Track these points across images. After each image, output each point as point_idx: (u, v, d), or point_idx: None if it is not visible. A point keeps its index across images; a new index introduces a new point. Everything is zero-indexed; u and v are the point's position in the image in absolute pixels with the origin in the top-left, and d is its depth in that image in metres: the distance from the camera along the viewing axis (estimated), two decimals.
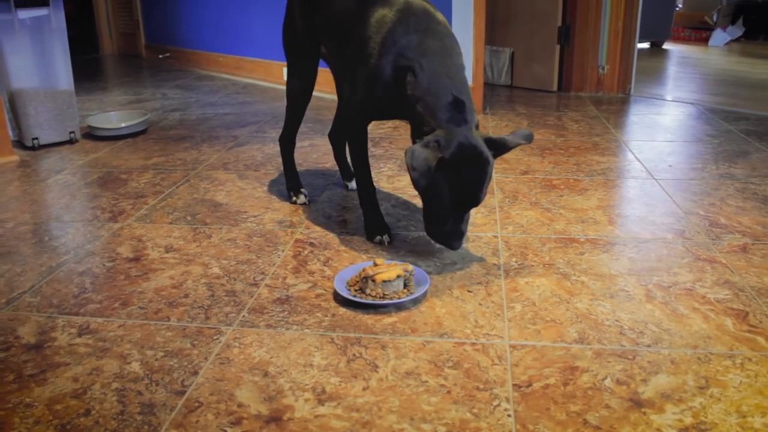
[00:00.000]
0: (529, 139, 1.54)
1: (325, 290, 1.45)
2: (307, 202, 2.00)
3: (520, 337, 1.25)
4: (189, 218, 1.89)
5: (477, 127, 1.49)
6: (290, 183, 2.05)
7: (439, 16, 1.60)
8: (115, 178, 2.30)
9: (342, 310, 1.36)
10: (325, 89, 3.83)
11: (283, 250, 1.66)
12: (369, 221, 1.73)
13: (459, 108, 1.46)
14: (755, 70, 4.61)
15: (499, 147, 1.50)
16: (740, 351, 1.19)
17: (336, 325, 1.31)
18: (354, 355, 1.20)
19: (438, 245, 1.65)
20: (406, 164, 1.42)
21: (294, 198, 2.00)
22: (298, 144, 2.69)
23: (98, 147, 2.72)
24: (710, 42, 6.18)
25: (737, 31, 6.30)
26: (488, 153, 1.46)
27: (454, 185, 1.45)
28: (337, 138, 2.15)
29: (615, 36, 3.54)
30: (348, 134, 1.71)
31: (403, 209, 1.93)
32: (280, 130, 2.97)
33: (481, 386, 1.10)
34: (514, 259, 1.58)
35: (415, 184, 1.42)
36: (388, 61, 1.53)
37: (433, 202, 1.49)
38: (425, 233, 1.64)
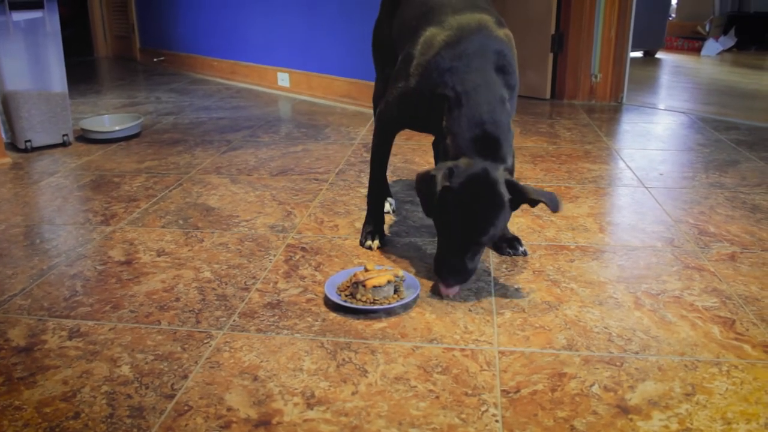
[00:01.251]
0: (554, 206, 1.36)
1: (315, 295, 1.46)
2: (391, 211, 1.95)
3: (509, 343, 1.26)
4: (181, 222, 1.90)
5: (510, 171, 1.41)
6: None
7: (498, 37, 1.49)
8: (108, 181, 2.30)
9: (332, 315, 1.37)
10: (318, 94, 3.84)
11: (274, 255, 1.67)
12: (365, 225, 1.74)
13: (488, 143, 1.38)
14: (746, 80, 4.64)
15: (518, 193, 1.37)
16: (727, 358, 1.20)
17: (326, 329, 1.31)
18: (343, 359, 1.21)
19: (430, 250, 1.66)
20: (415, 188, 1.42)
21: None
22: (290, 149, 2.70)
23: (91, 150, 2.72)
24: (703, 52, 6.22)
25: (729, 41, 6.35)
26: (503, 194, 1.36)
27: (456, 217, 1.37)
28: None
29: (608, 44, 3.57)
30: (373, 140, 1.70)
31: (394, 215, 1.94)
32: (274, 135, 2.99)
33: (470, 392, 1.11)
34: (504, 266, 1.59)
35: (423, 208, 1.42)
36: (427, 85, 1.47)
37: (438, 231, 1.44)
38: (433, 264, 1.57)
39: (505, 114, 1.43)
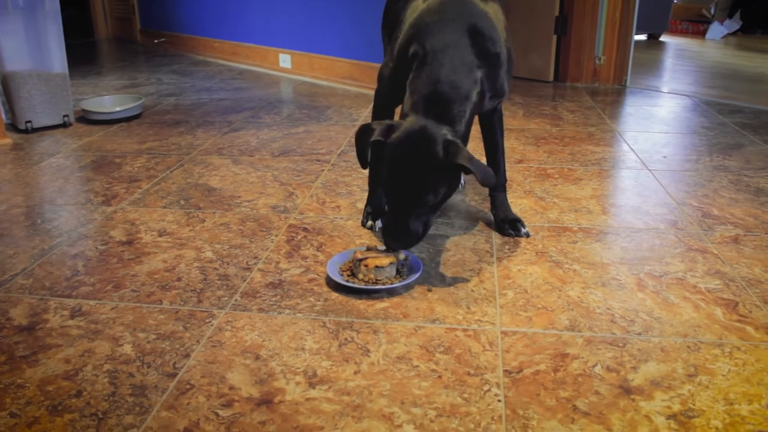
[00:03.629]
0: (483, 179, 1.31)
1: (317, 275, 1.45)
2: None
3: (511, 323, 1.26)
4: (182, 202, 1.89)
5: (459, 135, 1.36)
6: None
7: (479, 7, 1.45)
8: (109, 162, 2.29)
9: (334, 295, 1.36)
10: (319, 75, 3.82)
11: (276, 235, 1.66)
12: (366, 205, 1.73)
13: (438, 103, 1.35)
14: (751, 63, 4.61)
15: (451, 155, 1.31)
16: (729, 340, 1.20)
17: (328, 309, 1.31)
18: (346, 339, 1.21)
19: (432, 231, 1.66)
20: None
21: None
22: (292, 130, 2.68)
23: (92, 131, 2.71)
24: (707, 35, 6.17)
25: (734, 24, 6.30)
26: (436, 153, 1.31)
27: (388, 174, 1.36)
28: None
29: (612, 27, 3.54)
30: (373, 110, 1.67)
31: None
32: (275, 116, 2.98)
33: (472, 371, 1.11)
34: (506, 247, 1.59)
35: (359, 161, 1.41)
36: (408, 44, 1.46)
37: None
38: None
39: (468, 79, 1.38)
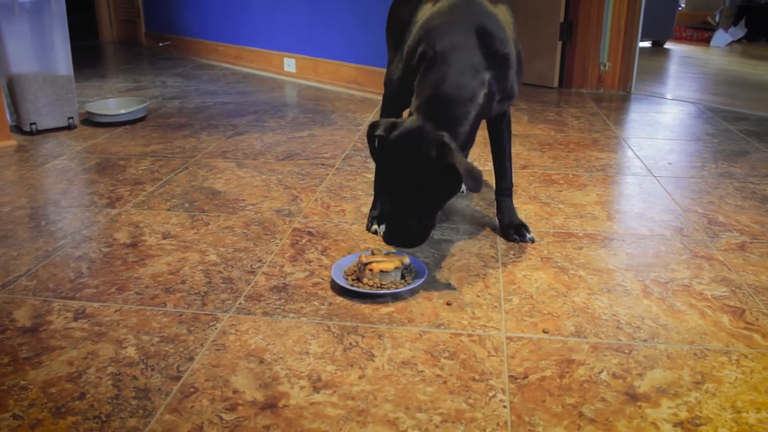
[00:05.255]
0: (470, 184, 1.28)
1: (322, 279, 1.45)
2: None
3: (516, 329, 1.25)
4: (187, 205, 1.89)
5: (460, 139, 1.35)
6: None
7: (488, 9, 1.45)
8: (113, 164, 2.29)
9: (339, 299, 1.36)
10: (324, 79, 3.82)
11: (280, 239, 1.66)
12: (372, 210, 1.72)
13: (440, 104, 1.35)
14: (756, 71, 4.60)
15: (443, 156, 1.30)
16: (736, 347, 1.19)
17: (333, 313, 1.30)
18: (350, 343, 1.20)
19: (437, 236, 1.65)
20: None
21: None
22: (296, 134, 2.68)
23: (97, 133, 2.71)
24: (712, 42, 6.17)
25: (739, 32, 6.30)
26: (428, 154, 1.30)
27: (384, 172, 1.38)
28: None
29: (617, 33, 3.53)
30: (380, 114, 1.67)
31: None
32: (280, 120, 2.98)
33: (477, 377, 1.10)
34: (511, 252, 1.58)
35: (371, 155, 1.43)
36: (416, 46, 1.45)
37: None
38: None
39: (474, 81, 1.38)
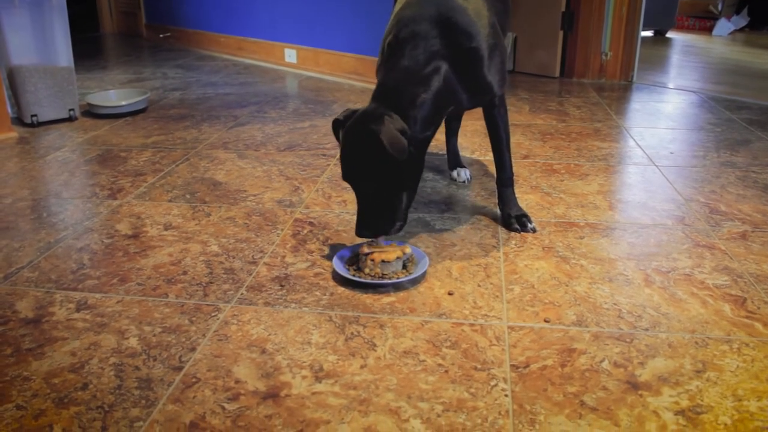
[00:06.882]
0: (394, 149, 1.31)
1: (323, 269, 1.45)
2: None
3: (518, 318, 1.25)
4: (188, 196, 1.89)
5: (415, 120, 1.36)
6: None
7: (455, 1, 1.44)
8: (115, 155, 2.29)
9: (340, 289, 1.36)
10: (325, 70, 3.81)
11: (282, 229, 1.66)
12: None
13: (390, 90, 1.38)
14: (758, 60, 4.59)
15: (379, 130, 1.31)
16: (737, 336, 1.19)
17: (334, 303, 1.31)
18: (352, 333, 1.20)
19: (439, 226, 1.65)
20: None
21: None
22: (297, 124, 2.68)
23: (98, 125, 2.71)
24: (714, 31, 6.15)
25: (742, 21, 6.27)
26: (370, 137, 1.31)
27: (345, 159, 1.39)
28: (448, 122, 2.06)
29: (619, 23, 3.52)
30: None
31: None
32: (281, 111, 2.97)
33: (479, 366, 1.10)
34: (513, 242, 1.58)
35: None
36: (387, 36, 1.49)
37: None
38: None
39: (427, 67, 1.39)
